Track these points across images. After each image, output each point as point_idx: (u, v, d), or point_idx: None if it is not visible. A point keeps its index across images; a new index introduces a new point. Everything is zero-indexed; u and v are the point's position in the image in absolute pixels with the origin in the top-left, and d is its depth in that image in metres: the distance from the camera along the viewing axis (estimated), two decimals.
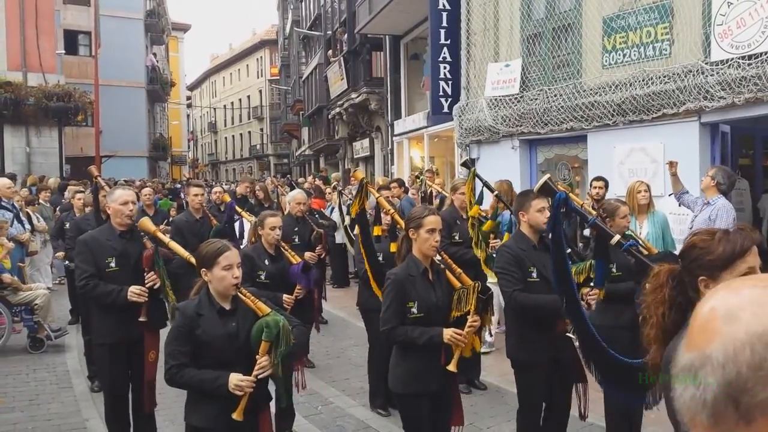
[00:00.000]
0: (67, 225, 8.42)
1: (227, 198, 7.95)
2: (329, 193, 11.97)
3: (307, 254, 5.83)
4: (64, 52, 20.92)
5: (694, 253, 2.08)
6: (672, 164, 6.28)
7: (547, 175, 3.50)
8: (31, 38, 17.50)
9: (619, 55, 8.43)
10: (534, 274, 3.90)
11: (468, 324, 3.45)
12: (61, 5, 21.99)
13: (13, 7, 17.29)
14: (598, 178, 7.10)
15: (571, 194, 5.13)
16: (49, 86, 17.54)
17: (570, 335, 3.84)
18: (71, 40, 24.11)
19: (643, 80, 7.93)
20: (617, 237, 3.54)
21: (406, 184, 11.06)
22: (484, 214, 5.83)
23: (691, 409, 0.73)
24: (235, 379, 2.93)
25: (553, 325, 3.86)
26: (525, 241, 4.00)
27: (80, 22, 24.04)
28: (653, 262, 3.93)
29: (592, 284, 3.83)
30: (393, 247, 4.13)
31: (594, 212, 4.84)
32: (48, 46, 18.00)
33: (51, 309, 7.52)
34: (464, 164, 6.53)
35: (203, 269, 3.08)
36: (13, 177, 12.74)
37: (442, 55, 12.63)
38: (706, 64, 7.15)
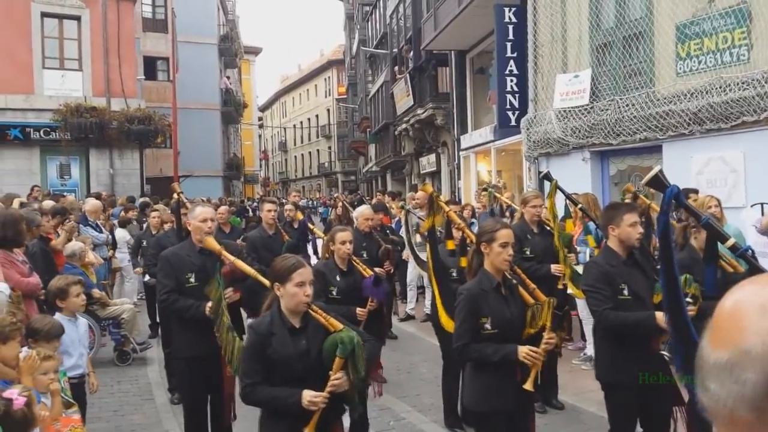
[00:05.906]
0: (144, 242, 8.84)
1: (300, 216, 8.14)
2: (395, 209, 12.01)
3: (378, 270, 5.87)
4: (144, 77, 21.94)
5: None
6: None
7: (659, 167, 3.28)
8: (113, 65, 18.40)
9: (694, 62, 8.16)
10: (625, 292, 3.66)
11: (544, 341, 3.34)
12: (140, 33, 23.13)
13: (97, 37, 18.25)
14: (693, 190, 6.43)
15: (653, 205, 4.94)
16: (130, 110, 18.38)
17: (665, 354, 3.64)
18: (150, 66, 25.28)
19: (720, 87, 7.64)
20: (733, 240, 3.30)
21: (473, 200, 10.99)
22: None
23: (728, 405, 0.73)
24: (309, 395, 2.91)
25: (647, 344, 3.65)
26: (614, 256, 3.76)
27: (159, 48, 25.17)
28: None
29: (688, 299, 3.48)
30: (463, 262, 4.09)
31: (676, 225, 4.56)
32: (129, 72, 18.87)
33: (137, 323, 7.89)
34: (545, 177, 6.24)
35: (276, 284, 3.07)
36: (98, 197, 13.39)
37: (509, 68, 12.55)
38: None
